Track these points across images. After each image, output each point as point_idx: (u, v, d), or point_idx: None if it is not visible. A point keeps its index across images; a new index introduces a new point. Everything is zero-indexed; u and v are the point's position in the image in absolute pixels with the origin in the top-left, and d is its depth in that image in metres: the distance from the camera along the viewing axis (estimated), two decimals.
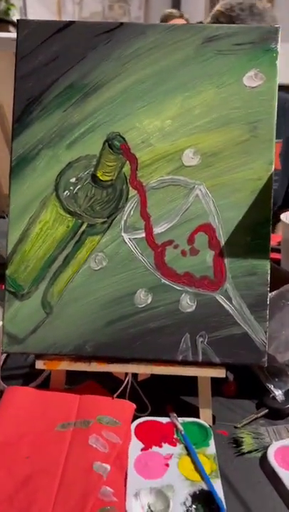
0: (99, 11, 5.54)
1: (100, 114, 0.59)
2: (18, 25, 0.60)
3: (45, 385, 0.64)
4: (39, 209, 0.59)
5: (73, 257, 0.59)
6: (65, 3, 5.35)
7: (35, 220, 0.59)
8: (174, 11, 2.13)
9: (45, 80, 0.60)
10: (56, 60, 0.60)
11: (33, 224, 0.59)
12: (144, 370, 0.59)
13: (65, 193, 0.59)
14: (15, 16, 3.55)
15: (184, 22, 2.05)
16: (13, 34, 0.87)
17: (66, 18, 5.35)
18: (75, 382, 0.64)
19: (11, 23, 2.34)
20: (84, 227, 0.59)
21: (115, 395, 0.60)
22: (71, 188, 0.59)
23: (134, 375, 0.62)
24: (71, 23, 0.60)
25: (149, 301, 0.58)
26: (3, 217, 1.20)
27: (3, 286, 0.98)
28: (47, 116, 0.59)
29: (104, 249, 0.59)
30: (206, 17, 1.17)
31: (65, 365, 0.59)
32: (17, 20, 0.60)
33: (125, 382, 0.60)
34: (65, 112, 0.59)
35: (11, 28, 2.27)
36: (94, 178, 0.59)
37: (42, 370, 0.63)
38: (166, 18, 2.03)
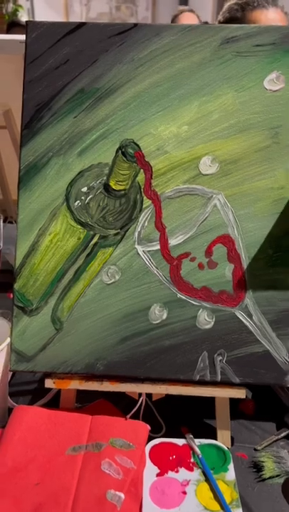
0: (106, 12, 5.53)
1: (113, 120, 0.56)
2: (27, 27, 0.57)
3: (54, 401, 0.62)
4: (49, 220, 0.57)
5: (84, 271, 0.56)
6: (72, 4, 5.34)
7: (44, 232, 0.57)
8: (185, 7, 2.09)
9: (56, 85, 0.57)
10: (67, 63, 0.57)
11: (43, 236, 0.57)
12: (159, 390, 0.56)
13: (76, 203, 0.57)
14: (23, 17, 3.53)
15: (196, 18, 2.01)
16: (21, 36, 0.85)
17: (73, 19, 5.33)
18: (85, 399, 0.61)
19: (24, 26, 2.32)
20: (96, 238, 0.56)
21: (129, 416, 0.57)
22: (82, 197, 0.57)
23: (149, 394, 0.59)
24: (82, 24, 0.57)
25: (164, 316, 0.55)
26: (12, 223, 1.18)
27: (11, 295, 0.96)
28: (57, 122, 0.57)
29: (117, 262, 0.56)
30: (217, 16, 1.14)
31: (76, 385, 0.57)
32: (26, 21, 0.58)
33: (139, 402, 0.57)
34: (76, 118, 0.57)
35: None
36: (106, 187, 0.57)
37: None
38: (177, 15, 1.99)
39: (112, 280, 0.56)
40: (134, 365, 0.56)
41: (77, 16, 5.31)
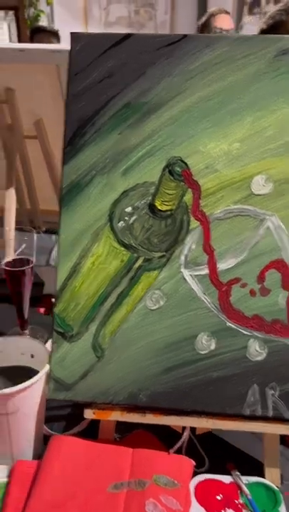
0: (125, 16, 5.53)
1: (160, 137, 0.53)
2: (71, 38, 0.55)
3: (90, 429, 0.59)
4: (91, 241, 0.54)
5: (128, 295, 0.53)
6: (91, 8, 5.35)
7: (86, 253, 0.54)
8: (222, 8, 2.04)
9: (100, 99, 0.54)
10: (112, 76, 0.54)
11: (85, 257, 0.54)
12: (206, 424, 0.53)
13: (119, 224, 0.54)
14: (43, 22, 3.55)
15: (231, 21, 1.97)
16: (52, 46, 0.83)
17: (92, 23, 5.36)
18: (124, 429, 0.58)
19: (51, 32, 2.31)
20: (140, 261, 0.53)
21: (172, 450, 0.54)
22: (126, 218, 0.54)
23: (193, 427, 0.56)
24: (128, 35, 0.54)
25: (212, 346, 0.52)
26: (39, 233, 1.16)
27: (42, 310, 0.93)
28: (101, 138, 0.54)
29: (162, 287, 0.53)
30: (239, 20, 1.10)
31: (117, 416, 0.53)
32: (70, 33, 0.55)
33: (183, 437, 0.54)
34: (121, 134, 0.54)
35: (53, 39, 2.23)
36: (152, 207, 0.54)
37: None
38: (214, 14, 1.94)
39: (157, 306, 0.53)
40: (178, 396, 0.52)
41: (96, 20, 5.32)
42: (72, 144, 0.54)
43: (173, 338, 0.53)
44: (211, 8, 2.10)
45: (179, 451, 0.55)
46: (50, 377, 0.53)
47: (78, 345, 0.53)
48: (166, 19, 5.64)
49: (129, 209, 0.54)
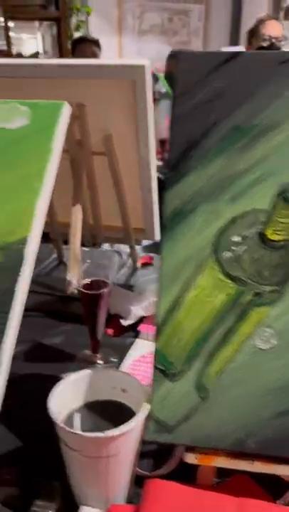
0: (158, 24, 5.54)
1: (272, 161, 0.49)
2: (177, 57, 0.52)
3: (181, 469, 0.55)
4: (194, 272, 0.50)
5: (235, 332, 0.50)
6: (125, 17, 5.38)
7: (189, 285, 0.50)
8: (270, 14, 2.00)
9: (207, 121, 0.51)
10: (219, 97, 0.51)
11: (188, 290, 0.50)
12: None
13: (226, 255, 0.50)
14: (83, 32, 3.57)
15: (279, 25, 1.92)
16: (129, 61, 0.80)
17: (127, 32, 5.40)
18: (222, 473, 0.54)
19: (92, 41, 2.32)
20: (249, 296, 0.50)
21: (281, 501, 0.49)
22: (234, 248, 0.50)
23: None
24: (237, 54, 0.51)
25: None
26: (100, 247, 1.14)
27: (112, 332, 0.90)
28: (207, 163, 0.50)
29: (274, 324, 0.49)
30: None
31: (222, 462, 0.50)
32: (175, 52, 0.53)
33: None
34: (229, 159, 0.50)
35: (95, 48, 2.24)
36: (262, 237, 0.50)
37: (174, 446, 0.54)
38: (264, 20, 1.90)
39: (268, 345, 0.49)
40: None
41: (130, 29, 5.35)
42: (177, 169, 0.51)
43: (285, 380, 0.48)
44: (260, 14, 2.06)
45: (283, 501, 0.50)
46: (150, 417, 0.50)
47: (181, 385, 0.50)
48: (199, 26, 5.62)
49: (236, 238, 0.50)
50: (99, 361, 0.78)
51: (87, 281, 0.73)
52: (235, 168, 0.50)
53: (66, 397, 0.52)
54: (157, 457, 0.60)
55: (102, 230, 1.06)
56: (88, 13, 3.62)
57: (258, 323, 0.49)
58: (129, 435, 0.48)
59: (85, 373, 0.54)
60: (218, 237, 0.50)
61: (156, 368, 0.50)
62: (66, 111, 0.58)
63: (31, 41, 4.38)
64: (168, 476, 0.53)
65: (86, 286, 0.73)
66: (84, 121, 0.88)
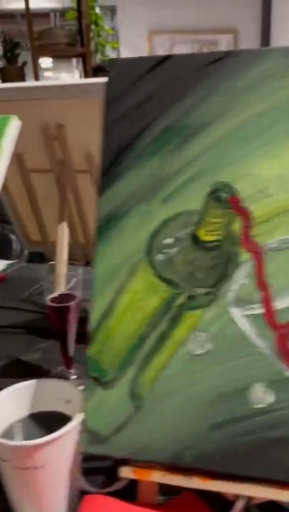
0: None
1: (204, 160, 0.48)
2: (109, 65, 0.53)
3: (134, 487, 0.52)
4: (128, 276, 0.49)
5: (169, 337, 0.47)
6: (156, 50, 5.57)
7: (122, 290, 0.49)
8: None
9: (138, 124, 0.51)
10: (151, 100, 0.51)
11: (120, 294, 0.49)
12: (264, 493, 0.44)
13: (159, 257, 0.49)
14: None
15: None
16: (103, 79, 0.83)
17: None
18: (172, 491, 0.51)
19: None
20: (182, 298, 0.48)
21: None
22: (166, 250, 0.49)
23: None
24: (168, 57, 0.51)
25: (271, 399, 0.44)
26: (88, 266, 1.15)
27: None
28: (140, 165, 0.50)
29: (208, 328, 0.46)
30: None
31: (159, 477, 0.47)
32: (108, 59, 0.53)
33: (237, 507, 0.45)
34: (161, 160, 0.50)
35: None
36: (195, 238, 0.48)
37: None
38: None
39: (202, 350, 0.46)
40: (230, 458, 0.44)
41: None
42: (109, 174, 0.51)
43: (222, 388, 0.45)
44: None
45: None
46: (84, 428, 0.48)
47: (114, 393, 0.48)
48: None
49: (169, 240, 0.49)
50: (72, 377, 0.77)
51: (55, 294, 0.73)
52: (168, 168, 0.49)
53: (7, 409, 0.52)
54: (113, 474, 0.57)
55: (93, 247, 1.06)
56: (114, 48, 3.78)
57: (193, 328, 0.47)
58: (57, 444, 0.46)
59: (27, 384, 0.54)
60: (151, 239, 0.49)
61: (89, 375, 0.49)
62: (15, 124, 0.60)
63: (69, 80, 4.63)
64: (121, 493, 0.50)
65: (54, 300, 0.73)
66: (64, 141, 0.90)
